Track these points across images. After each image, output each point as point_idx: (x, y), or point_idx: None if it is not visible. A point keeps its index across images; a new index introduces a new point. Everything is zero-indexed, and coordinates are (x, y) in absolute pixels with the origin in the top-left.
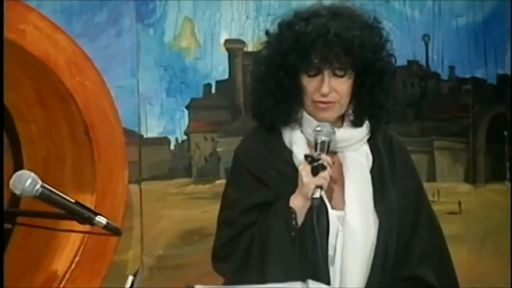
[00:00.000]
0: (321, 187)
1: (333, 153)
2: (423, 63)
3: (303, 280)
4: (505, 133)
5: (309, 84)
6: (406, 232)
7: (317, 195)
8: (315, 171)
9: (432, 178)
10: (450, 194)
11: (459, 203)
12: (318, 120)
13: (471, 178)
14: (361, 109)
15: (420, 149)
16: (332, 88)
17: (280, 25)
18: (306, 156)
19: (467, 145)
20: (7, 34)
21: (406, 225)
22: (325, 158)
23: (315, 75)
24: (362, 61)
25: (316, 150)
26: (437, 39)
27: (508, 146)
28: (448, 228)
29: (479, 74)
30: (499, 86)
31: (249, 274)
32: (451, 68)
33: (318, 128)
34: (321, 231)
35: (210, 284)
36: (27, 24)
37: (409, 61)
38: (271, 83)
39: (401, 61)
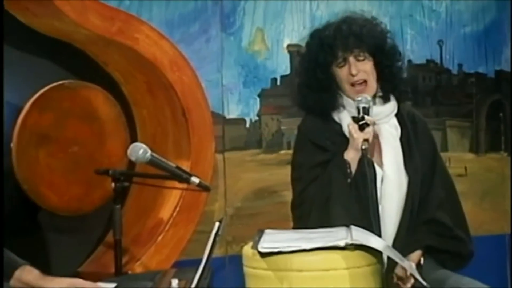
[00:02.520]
0: (367, 140)
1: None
2: (438, 61)
3: (348, 225)
4: (501, 114)
5: (341, 73)
6: (426, 184)
7: (365, 146)
8: (361, 128)
9: (444, 149)
10: (458, 161)
11: (465, 168)
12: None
13: (474, 149)
14: (385, 84)
15: (436, 127)
16: (359, 69)
17: (310, 36)
18: (353, 118)
19: (471, 124)
20: (126, 41)
21: (425, 178)
22: (367, 118)
23: (343, 65)
24: (373, 45)
25: (359, 113)
26: (449, 43)
27: (503, 124)
28: (456, 187)
29: (481, 70)
30: (497, 79)
31: (316, 216)
32: (460, 65)
33: (359, 98)
34: (370, 178)
35: (276, 229)
36: (140, 34)
37: (427, 60)
38: (312, 82)
39: (421, 60)
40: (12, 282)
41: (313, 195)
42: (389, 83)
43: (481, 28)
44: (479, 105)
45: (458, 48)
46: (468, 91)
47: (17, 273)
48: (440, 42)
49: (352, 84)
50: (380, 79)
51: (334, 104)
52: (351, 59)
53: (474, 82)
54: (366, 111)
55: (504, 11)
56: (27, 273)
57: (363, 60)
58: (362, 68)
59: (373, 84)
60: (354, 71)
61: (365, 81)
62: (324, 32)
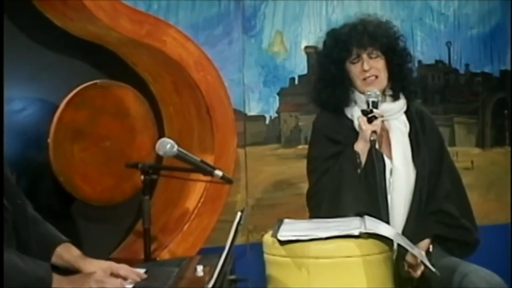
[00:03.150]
0: (375, 132)
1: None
2: (446, 62)
3: (361, 215)
4: (505, 111)
5: (354, 69)
6: (433, 177)
7: (373, 137)
8: (370, 120)
9: (452, 144)
10: (465, 155)
11: (472, 162)
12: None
13: (480, 144)
14: (395, 84)
15: (444, 123)
16: (371, 66)
17: (326, 34)
18: (362, 111)
19: (477, 120)
20: (154, 43)
21: (433, 171)
22: (376, 111)
23: (356, 61)
24: (386, 45)
25: (368, 107)
26: (457, 45)
27: (507, 121)
28: (463, 179)
29: (487, 69)
30: (502, 78)
31: (327, 205)
32: (467, 65)
33: (369, 93)
34: (379, 168)
35: (294, 218)
36: (167, 36)
37: (436, 61)
38: (327, 76)
39: (430, 61)
40: (54, 258)
41: (326, 185)
42: (399, 82)
43: (487, 30)
44: (485, 102)
45: (465, 49)
46: (474, 89)
47: (59, 250)
48: (448, 44)
49: (364, 79)
50: (390, 78)
51: (347, 99)
52: (364, 56)
53: (480, 81)
54: (375, 104)
55: (508, 14)
56: (68, 251)
57: (376, 57)
58: (374, 65)
59: (383, 81)
60: (366, 67)
61: (376, 77)
62: (340, 30)
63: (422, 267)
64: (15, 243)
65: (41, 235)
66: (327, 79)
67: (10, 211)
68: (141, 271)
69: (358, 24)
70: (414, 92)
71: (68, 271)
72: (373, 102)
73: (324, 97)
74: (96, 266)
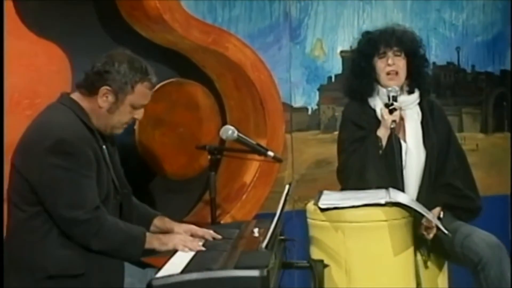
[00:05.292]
0: (395, 121)
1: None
2: (456, 63)
3: (387, 187)
4: (504, 103)
5: (381, 63)
6: (442, 156)
7: (393, 125)
8: (390, 111)
9: (460, 130)
10: (471, 140)
11: (477, 145)
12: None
13: (484, 130)
14: (412, 81)
15: (454, 113)
16: (394, 62)
17: (361, 34)
18: (385, 104)
19: (481, 110)
20: (218, 48)
21: (442, 152)
22: (396, 104)
23: (383, 57)
24: (409, 49)
25: (389, 100)
26: (465, 49)
27: (506, 111)
28: (470, 159)
29: (489, 69)
30: (501, 76)
31: (354, 180)
32: (473, 66)
33: (390, 89)
34: (397, 150)
35: (331, 190)
36: (229, 43)
37: (447, 62)
38: (357, 69)
39: (442, 62)
40: (151, 227)
41: (353, 163)
42: (415, 81)
43: (490, 37)
44: (488, 96)
45: (472, 53)
46: (479, 85)
47: (155, 221)
48: (457, 49)
49: (387, 73)
50: (408, 76)
51: (371, 90)
52: (390, 53)
53: (484, 79)
54: (395, 98)
55: (507, 24)
56: (160, 220)
57: (399, 56)
58: (397, 62)
59: (402, 77)
60: (390, 62)
61: (396, 73)
62: (373, 33)
63: (435, 230)
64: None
65: (142, 214)
66: (357, 71)
67: (119, 197)
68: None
69: (388, 29)
70: (427, 90)
71: None
72: (393, 96)
73: (354, 86)
74: (180, 228)
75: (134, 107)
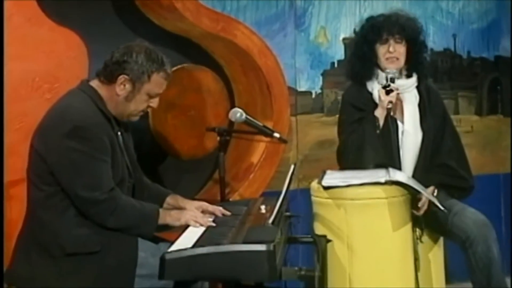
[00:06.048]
0: (391, 102)
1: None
2: (452, 49)
3: (384, 165)
4: (498, 87)
5: (382, 49)
6: (438, 138)
7: (389, 106)
8: (387, 92)
9: (456, 112)
10: (467, 122)
11: (472, 127)
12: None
13: (478, 112)
14: (411, 66)
15: (450, 96)
16: (395, 49)
17: (365, 20)
18: (382, 86)
19: (476, 94)
20: (227, 36)
21: (437, 134)
22: (392, 85)
23: (385, 43)
24: (410, 36)
25: (387, 81)
26: (461, 36)
27: (499, 95)
28: (465, 140)
29: (484, 55)
30: (495, 62)
31: (353, 158)
32: (468, 52)
33: (388, 71)
34: (393, 130)
35: (334, 170)
36: (238, 31)
37: (444, 49)
38: (359, 52)
39: (439, 49)
40: (164, 205)
41: (352, 143)
42: (414, 66)
43: (484, 25)
44: (482, 81)
45: (467, 40)
46: (474, 71)
47: (167, 199)
48: (454, 36)
49: (387, 59)
50: (408, 61)
51: (371, 74)
52: (392, 40)
53: (479, 64)
54: (392, 80)
55: (501, 12)
56: (173, 198)
57: (400, 43)
58: (398, 49)
59: (401, 62)
60: (391, 49)
61: (397, 58)
62: (377, 18)
63: (426, 207)
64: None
65: (155, 193)
66: (359, 55)
67: (132, 181)
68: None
69: (392, 15)
70: (425, 75)
71: None
72: (391, 78)
73: (355, 69)
74: (192, 205)
75: (150, 96)
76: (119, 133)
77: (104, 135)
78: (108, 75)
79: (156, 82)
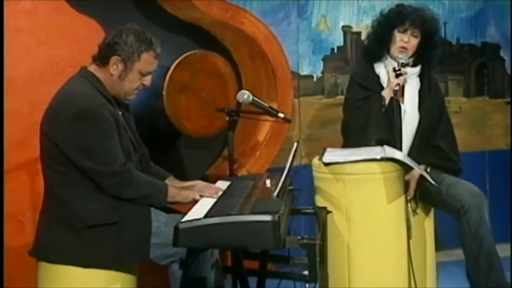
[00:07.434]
0: (399, 84)
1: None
2: (443, 36)
3: (386, 141)
4: (484, 71)
5: (400, 37)
6: (435, 122)
7: (397, 88)
8: (397, 76)
9: (446, 94)
10: (456, 103)
11: (460, 107)
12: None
13: (466, 94)
14: (419, 58)
15: (441, 80)
16: (409, 40)
17: (393, 7)
18: (394, 68)
19: (465, 77)
20: (235, 23)
21: (434, 120)
22: (402, 70)
23: (403, 32)
24: (428, 33)
25: (398, 66)
26: (451, 24)
27: (486, 78)
28: (454, 120)
29: (472, 41)
30: (482, 48)
31: (356, 134)
32: (457, 38)
33: (400, 56)
34: (396, 110)
35: (334, 147)
36: (245, 19)
37: None
38: (379, 32)
39: None
40: None
41: (356, 119)
42: (421, 59)
43: (472, 13)
44: (470, 65)
45: (457, 27)
46: (463, 56)
47: (166, 181)
48: (444, 23)
49: (399, 47)
50: (417, 52)
51: (382, 55)
52: (409, 32)
53: (467, 50)
54: (404, 65)
55: (488, 2)
56: (171, 181)
57: (416, 37)
58: (412, 41)
59: (410, 53)
60: (406, 39)
61: (406, 49)
62: (405, 7)
63: (414, 187)
64: None
65: (155, 175)
66: (378, 34)
67: (138, 155)
68: (227, 183)
69: (419, 10)
70: (430, 69)
71: None
72: (402, 63)
73: (369, 47)
74: (187, 184)
75: (142, 74)
76: (120, 112)
77: (108, 114)
78: (102, 58)
79: (146, 61)
